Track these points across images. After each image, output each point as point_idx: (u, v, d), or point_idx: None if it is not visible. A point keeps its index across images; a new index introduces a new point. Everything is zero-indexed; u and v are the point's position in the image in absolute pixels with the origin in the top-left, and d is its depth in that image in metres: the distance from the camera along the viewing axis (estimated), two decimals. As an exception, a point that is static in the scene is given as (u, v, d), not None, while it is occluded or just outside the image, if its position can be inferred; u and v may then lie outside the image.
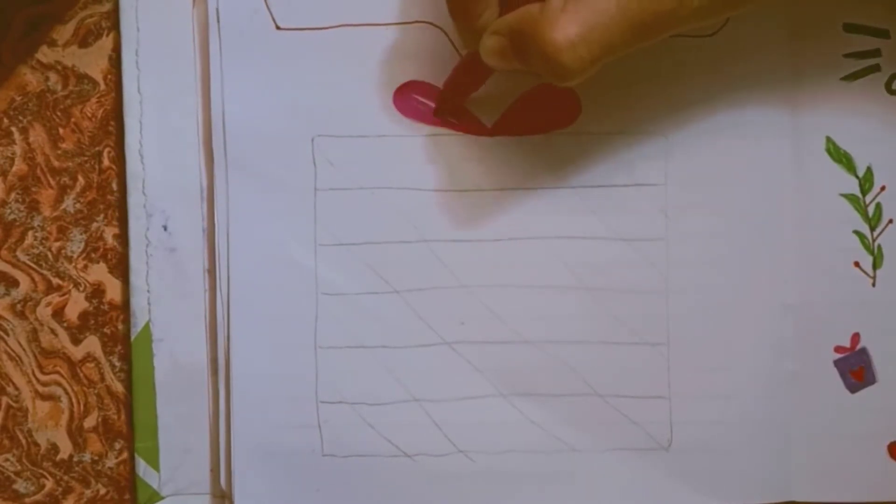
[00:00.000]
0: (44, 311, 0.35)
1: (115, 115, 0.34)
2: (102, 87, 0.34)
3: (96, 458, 0.35)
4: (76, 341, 0.35)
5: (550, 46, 0.26)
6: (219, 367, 0.33)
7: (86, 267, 0.35)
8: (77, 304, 0.35)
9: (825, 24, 0.33)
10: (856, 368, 0.33)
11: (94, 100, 0.34)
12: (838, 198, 0.33)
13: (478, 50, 0.28)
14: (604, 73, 0.32)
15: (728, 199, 0.33)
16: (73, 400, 0.35)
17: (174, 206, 0.34)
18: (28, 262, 0.35)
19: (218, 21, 0.33)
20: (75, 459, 0.35)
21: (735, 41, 0.32)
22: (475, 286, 0.33)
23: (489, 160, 0.33)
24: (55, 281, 0.35)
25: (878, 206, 0.33)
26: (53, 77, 0.34)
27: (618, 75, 0.32)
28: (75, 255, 0.35)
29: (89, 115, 0.34)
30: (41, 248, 0.35)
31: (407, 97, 0.33)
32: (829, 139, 0.33)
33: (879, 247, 0.33)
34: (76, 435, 0.35)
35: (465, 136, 0.33)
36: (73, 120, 0.34)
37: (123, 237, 0.34)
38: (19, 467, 0.35)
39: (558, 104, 0.33)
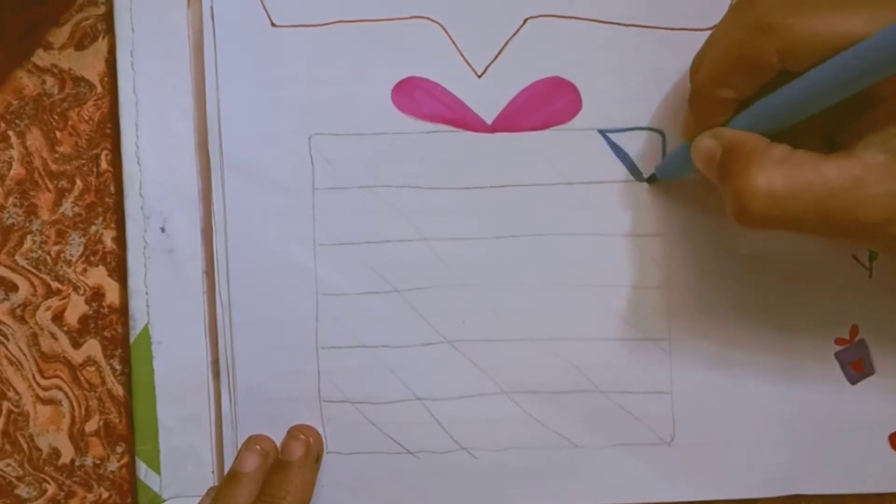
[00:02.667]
0: (43, 316, 0.34)
1: (112, 117, 0.33)
2: (99, 89, 0.33)
3: (98, 461, 0.34)
4: (76, 345, 0.34)
5: (748, 185, 0.25)
6: (221, 369, 0.32)
7: (85, 270, 0.33)
8: (77, 308, 0.33)
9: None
10: (855, 360, 0.32)
11: (90, 102, 0.33)
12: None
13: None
14: (603, 67, 0.31)
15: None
16: (74, 404, 0.34)
17: (172, 208, 0.33)
18: (27, 267, 0.33)
19: (213, 20, 0.32)
20: (77, 464, 0.34)
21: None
22: (476, 284, 0.32)
23: (489, 157, 0.32)
24: (54, 285, 0.33)
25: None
26: (50, 80, 0.33)
27: (617, 70, 0.31)
28: (74, 259, 0.33)
29: (86, 117, 0.33)
30: (40, 252, 0.33)
31: (405, 93, 0.32)
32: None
33: (876, 238, 0.32)
34: (78, 439, 0.34)
35: (465, 133, 0.32)
36: (70, 123, 0.33)
37: (122, 240, 0.33)
38: (21, 472, 0.34)
39: (558, 100, 0.32)
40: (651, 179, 0.32)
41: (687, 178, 0.30)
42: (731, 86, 0.26)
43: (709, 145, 0.27)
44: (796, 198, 0.24)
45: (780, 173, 0.24)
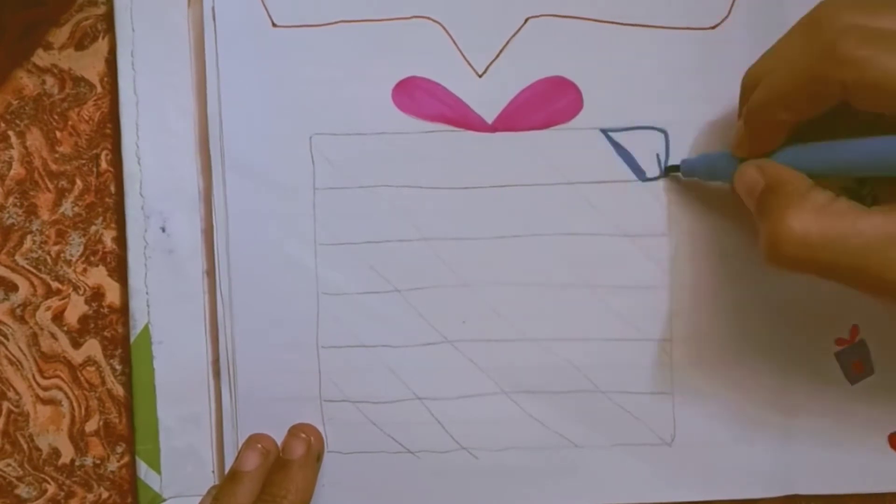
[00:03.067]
0: (43, 316, 0.33)
1: (112, 117, 0.33)
2: (99, 89, 0.33)
3: (98, 461, 0.34)
4: (76, 345, 0.33)
5: (783, 228, 0.24)
6: (221, 369, 0.32)
7: (85, 270, 0.33)
8: (77, 308, 0.33)
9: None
10: (856, 360, 0.32)
11: (90, 102, 0.33)
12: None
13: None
14: (604, 67, 0.31)
15: (729, 192, 0.31)
16: (74, 404, 0.34)
17: (172, 208, 0.33)
18: (27, 267, 0.33)
19: (214, 20, 0.32)
20: (77, 464, 0.34)
21: (736, 34, 0.31)
22: (476, 284, 0.32)
23: (490, 156, 0.32)
24: (54, 285, 0.33)
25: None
26: (50, 80, 0.33)
27: (619, 69, 0.31)
28: (74, 259, 0.33)
29: (86, 117, 0.33)
30: (40, 252, 0.33)
31: (405, 93, 0.32)
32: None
33: (877, 238, 0.32)
34: (78, 439, 0.34)
35: (466, 133, 0.32)
36: (70, 123, 0.33)
37: (122, 240, 0.33)
38: (21, 472, 0.34)
39: (559, 100, 0.32)
40: (670, 170, 0.31)
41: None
42: (791, 109, 0.25)
43: (753, 177, 0.26)
44: (829, 249, 0.24)
45: (816, 221, 0.24)
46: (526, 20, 0.31)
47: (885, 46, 0.23)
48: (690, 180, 0.31)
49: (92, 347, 0.33)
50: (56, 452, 0.33)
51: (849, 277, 0.24)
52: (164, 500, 0.33)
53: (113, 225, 0.33)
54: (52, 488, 0.33)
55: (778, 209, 0.25)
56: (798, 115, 0.25)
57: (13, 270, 0.33)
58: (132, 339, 0.32)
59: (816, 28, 0.24)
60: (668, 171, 0.31)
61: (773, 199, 0.25)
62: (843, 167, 0.25)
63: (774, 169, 0.26)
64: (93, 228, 0.33)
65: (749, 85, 0.27)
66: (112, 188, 0.33)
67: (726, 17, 0.31)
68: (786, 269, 0.25)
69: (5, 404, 0.33)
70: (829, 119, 0.25)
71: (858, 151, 0.25)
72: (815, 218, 0.24)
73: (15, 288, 0.33)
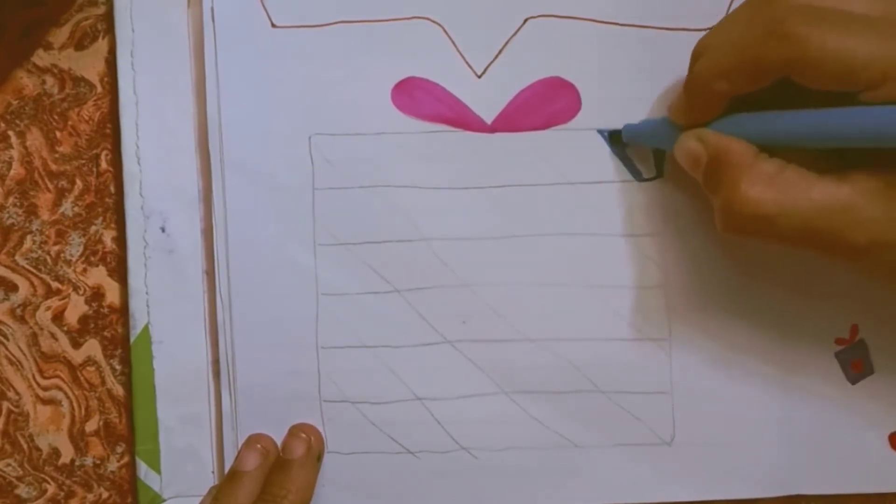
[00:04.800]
0: (43, 316, 0.34)
1: (112, 117, 0.33)
2: (99, 89, 0.33)
3: (98, 461, 0.34)
4: (76, 345, 0.34)
5: (737, 199, 0.25)
6: (221, 369, 0.32)
7: (85, 270, 0.34)
8: (77, 308, 0.34)
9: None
10: (855, 360, 0.32)
11: (90, 102, 0.33)
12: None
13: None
14: (603, 68, 0.31)
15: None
16: (74, 404, 0.34)
17: (172, 208, 0.33)
18: (27, 267, 0.34)
19: (213, 20, 0.32)
20: (77, 464, 0.34)
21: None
22: (476, 284, 0.32)
23: (489, 157, 0.32)
24: (54, 285, 0.33)
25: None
26: (50, 80, 0.33)
27: (617, 70, 0.32)
28: (74, 259, 0.34)
29: (86, 118, 0.33)
30: (40, 252, 0.34)
31: (405, 93, 0.32)
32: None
33: (876, 238, 0.32)
34: (78, 439, 0.34)
35: (465, 133, 0.32)
36: (70, 123, 0.33)
37: (122, 240, 0.33)
38: (21, 472, 0.34)
39: (558, 101, 0.32)
40: (613, 137, 0.31)
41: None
42: (730, 81, 0.25)
43: (694, 148, 0.27)
44: (785, 216, 0.24)
45: (769, 191, 0.25)
46: (525, 21, 0.31)
47: (826, 25, 0.23)
48: (682, 180, 0.31)
49: (92, 347, 0.33)
50: (56, 452, 0.34)
51: (805, 241, 0.25)
52: (164, 500, 0.33)
53: (113, 225, 0.33)
54: (52, 488, 0.34)
55: (729, 180, 0.25)
56: (738, 88, 0.26)
57: (13, 270, 0.33)
58: (132, 339, 0.33)
59: (767, 4, 0.25)
60: (611, 137, 0.31)
61: (722, 171, 0.26)
62: (782, 138, 0.25)
63: (717, 139, 0.26)
64: (93, 228, 0.33)
65: (697, 54, 0.27)
66: (112, 188, 0.33)
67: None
68: (743, 237, 0.26)
69: (5, 404, 0.34)
70: (770, 91, 0.25)
71: (797, 122, 0.25)
72: (768, 187, 0.25)
73: (15, 288, 0.33)
